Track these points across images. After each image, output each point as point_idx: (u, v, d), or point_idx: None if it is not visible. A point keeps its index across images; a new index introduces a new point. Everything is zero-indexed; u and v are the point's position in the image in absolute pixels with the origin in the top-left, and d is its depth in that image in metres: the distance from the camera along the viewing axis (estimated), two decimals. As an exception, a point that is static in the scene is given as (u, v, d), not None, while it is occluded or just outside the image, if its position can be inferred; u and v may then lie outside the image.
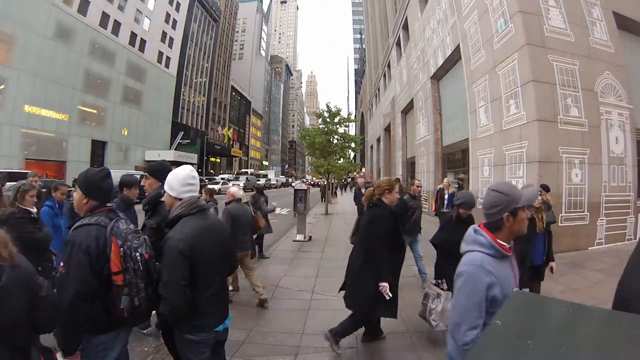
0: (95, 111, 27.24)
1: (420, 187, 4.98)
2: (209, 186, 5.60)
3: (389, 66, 22.56)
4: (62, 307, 1.39)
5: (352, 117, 19.76)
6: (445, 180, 7.15)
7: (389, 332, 3.34)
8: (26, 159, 21.03)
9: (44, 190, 4.76)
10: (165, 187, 1.75)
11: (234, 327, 2.67)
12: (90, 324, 1.48)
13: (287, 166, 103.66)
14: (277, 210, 13.91)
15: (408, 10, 16.06)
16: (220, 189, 25.14)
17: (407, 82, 16.66)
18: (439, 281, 3.45)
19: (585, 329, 0.72)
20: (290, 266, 5.70)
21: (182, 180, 1.73)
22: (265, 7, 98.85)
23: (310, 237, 8.03)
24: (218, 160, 50.32)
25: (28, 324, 1.27)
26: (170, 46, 37.31)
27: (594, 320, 0.77)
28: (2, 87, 19.81)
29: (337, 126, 15.16)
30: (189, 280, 1.55)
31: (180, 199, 1.69)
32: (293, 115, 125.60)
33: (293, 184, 25.00)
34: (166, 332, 2.08)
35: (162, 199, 1.83)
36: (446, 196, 7.09)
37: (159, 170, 2.23)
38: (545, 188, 5.77)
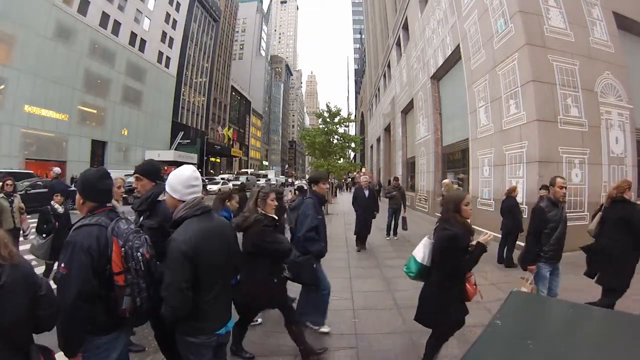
0: (95, 111, 27.25)
1: (565, 187, 3.29)
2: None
3: (389, 66, 22.56)
4: (64, 307, 1.39)
5: (352, 117, 19.79)
6: (446, 181, 7.10)
7: (390, 331, 3.34)
8: (26, 159, 21.04)
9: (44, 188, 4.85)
10: (167, 189, 1.73)
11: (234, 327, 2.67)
12: (91, 325, 1.48)
13: (287, 166, 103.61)
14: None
15: (408, 10, 16.05)
16: (220, 189, 25.23)
17: (407, 82, 16.66)
18: None
19: (585, 329, 0.72)
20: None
21: (185, 182, 1.71)
22: (265, 7, 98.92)
23: None
24: (218, 160, 50.32)
25: (28, 323, 1.27)
26: (170, 46, 37.32)
27: (594, 320, 0.77)
28: (2, 87, 19.82)
29: (337, 126, 15.20)
30: (192, 283, 1.54)
31: (183, 201, 1.68)
32: (293, 115, 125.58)
33: (295, 184, 24.98)
34: (160, 334, 2.08)
35: (162, 199, 1.81)
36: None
37: (151, 171, 2.22)
38: (546, 188, 5.80)
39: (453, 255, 2.24)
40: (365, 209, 7.01)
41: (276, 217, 2.64)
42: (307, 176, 67.23)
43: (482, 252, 2.29)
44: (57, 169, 7.81)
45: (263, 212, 2.56)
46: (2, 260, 1.19)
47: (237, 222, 2.59)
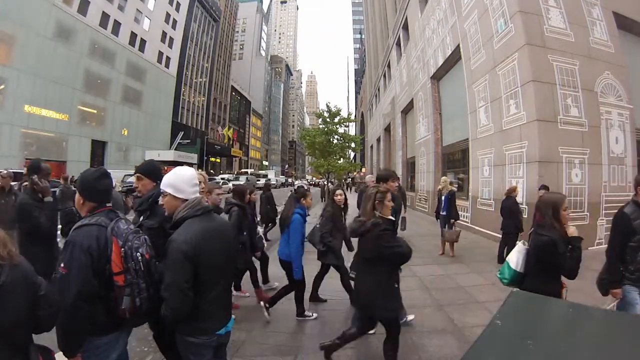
0: (95, 111, 27.25)
1: None
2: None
3: (389, 66, 22.56)
4: (64, 307, 1.39)
5: (352, 117, 19.78)
6: (443, 179, 7.03)
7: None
8: (26, 159, 20.98)
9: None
10: (170, 190, 1.70)
11: (234, 327, 2.66)
12: (91, 325, 1.47)
13: (287, 166, 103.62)
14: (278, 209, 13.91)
15: (408, 10, 16.06)
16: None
17: (407, 82, 16.66)
18: None
19: (585, 329, 0.72)
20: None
21: (189, 181, 1.71)
22: (265, 7, 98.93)
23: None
24: (218, 160, 50.33)
25: (28, 323, 1.27)
26: (170, 46, 37.32)
27: (594, 320, 0.77)
28: (2, 87, 19.82)
29: (337, 126, 15.19)
30: (192, 283, 1.54)
31: (186, 201, 1.68)
32: (293, 115, 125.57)
33: (295, 184, 24.99)
34: (160, 334, 2.08)
35: (162, 201, 1.80)
36: (443, 197, 6.57)
37: (152, 170, 2.21)
38: (546, 188, 5.80)
39: (550, 263, 2.10)
40: None
41: (393, 219, 2.50)
42: (307, 176, 67.03)
43: (581, 251, 2.13)
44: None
45: (380, 214, 2.40)
46: (1, 260, 1.19)
47: (353, 227, 2.43)
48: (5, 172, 4.63)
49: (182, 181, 1.70)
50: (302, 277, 3.39)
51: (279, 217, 3.78)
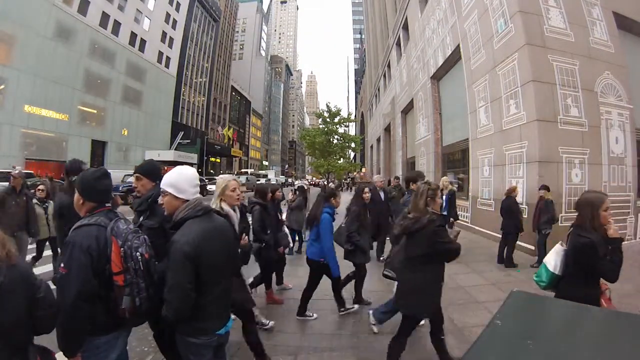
0: (95, 111, 27.26)
1: None
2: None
3: (389, 66, 22.56)
4: (64, 307, 1.38)
5: (352, 117, 19.79)
6: (443, 179, 7.00)
7: (391, 331, 3.33)
8: (26, 159, 21.04)
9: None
10: (171, 190, 1.68)
11: (234, 327, 2.66)
12: (91, 325, 1.47)
13: (287, 166, 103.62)
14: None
15: (408, 10, 16.06)
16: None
17: (407, 82, 16.66)
18: None
19: (585, 329, 0.72)
20: (290, 266, 5.68)
21: (191, 182, 1.70)
22: (265, 7, 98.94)
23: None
24: (218, 160, 50.32)
25: (28, 324, 1.27)
26: (170, 46, 37.32)
27: (594, 320, 0.77)
28: (2, 87, 19.82)
29: (337, 126, 15.21)
30: (194, 284, 1.54)
31: (186, 201, 1.67)
32: (293, 115, 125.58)
33: (295, 184, 24.94)
34: (160, 334, 2.07)
35: (162, 200, 1.80)
36: (444, 197, 6.26)
37: (152, 170, 2.21)
38: (546, 188, 5.81)
39: (589, 265, 2.01)
40: (381, 215, 5.89)
41: (445, 214, 2.52)
42: (307, 176, 67.10)
43: (621, 252, 2.04)
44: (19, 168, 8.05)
45: (433, 211, 2.39)
46: None
47: (406, 225, 2.39)
48: (17, 172, 4.54)
49: (184, 181, 1.69)
50: (339, 274, 3.46)
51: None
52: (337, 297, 3.66)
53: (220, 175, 2.70)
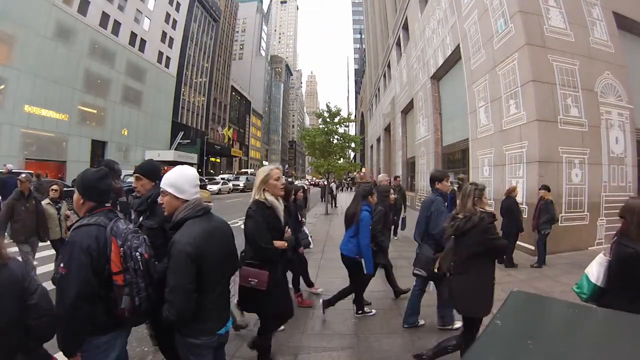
0: (95, 111, 27.24)
1: None
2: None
3: (389, 66, 22.56)
4: (64, 307, 1.38)
5: (352, 117, 19.74)
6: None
7: (391, 332, 3.34)
8: (26, 159, 21.03)
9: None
10: (171, 190, 1.68)
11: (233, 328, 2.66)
12: (91, 325, 1.47)
13: (287, 166, 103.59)
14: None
15: (408, 10, 16.06)
16: (220, 189, 25.21)
17: (407, 82, 16.66)
18: None
19: (585, 329, 0.72)
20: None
21: (191, 182, 1.69)
22: (265, 7, 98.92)
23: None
24: (218, 160, 50.32)
25: (16, 331, 1.22)
26: (170, 46, 37.31)
27: (594, 320, 0.77)
28: (2, 87, 19.81)
29: (337, 126, 15.16)
30: (196, 284, 1.53)
31: (186, 202, 1.66)
32: (293, 115, 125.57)
33: (295, 184, 24.86)
34: (160, 334, 2.07)
35: (161, 200, 1.79)
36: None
37: (151, 170, 2.21)
38: (546, 188, 5.81)
39: (634, 278, 1.85)
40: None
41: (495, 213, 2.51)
42: (307, 176, 67.17)
43: None
44: (10, 165, 8.03)
45: (482, 209, 2.43)
46: None
47: (457, 225, 2.40)
48: (24, 175, 4.44)
49: (185, 181, 1.68)
50: (373, 271, 3.50)
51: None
52: (359, 298, 3.66)
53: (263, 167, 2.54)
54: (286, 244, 2.45)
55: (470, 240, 2.36)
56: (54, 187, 4.51)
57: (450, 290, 2.52)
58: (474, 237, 2.34)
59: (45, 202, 4.36)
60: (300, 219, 4.56)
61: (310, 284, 4.38)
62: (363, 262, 3.34)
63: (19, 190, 4.24)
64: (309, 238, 4.76)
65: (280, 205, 2.41)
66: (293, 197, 4.29)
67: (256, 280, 2.22)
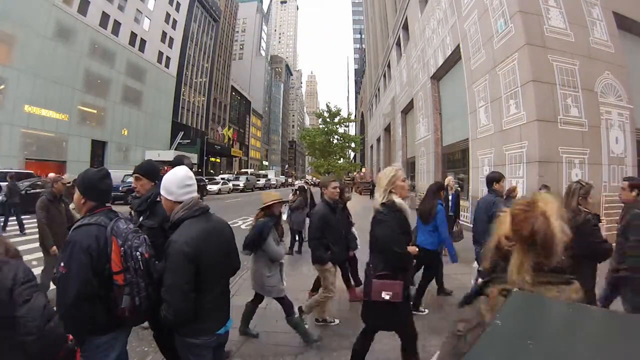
0: (95, 111, 27.26)
1: None
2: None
3: (389, 66, 22.56)
4: (64, 307, 1.38)
5: (352, 117, 19.78)
6: (448, 179, 6.93)
7: (392, 332, 3.33)
8: (26, 159, 21.04)
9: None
10: (162, 192, 1.71)
11: (234, 327, 2.67)
12: (91, 325, 1.47)
13: (287, 166, 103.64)
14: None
15: (408, 10, 16.06)
16: (220, 189, 25.22)
17: (407, 82, 16.66)
18: None
19: (585, 329, 0.72)
20: (290, 266, 5.69)
21: (179, 183, 1.68)
22: (265, 7, 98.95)
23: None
24: (218, 160, 50.32)
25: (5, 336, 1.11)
26: (170, 46, 37.33)
27: (594, 320, 0.77)
28: (2, 87, 19.82)
29: (337, 126, 15.21)
30: (194, 284, 1.53)
31: (180, 202, 1.67)
32: (293, 115, 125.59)
33: (295, 184, 24.90)
34: (160, 335, 2.07)
35: (159, 200, 1.80)
36: (450, 197, 6.18)
37: (151, 171, 2.22)
38: (546, 188, 5.80)
39: None
40: None
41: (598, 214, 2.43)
42: (307, 176, 67.28)
43: None
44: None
45: (586, 210, 2.31)
46: None
47: None
48: (67, 176, 4.15)
49: (172, 183, 1.68)
50: (457, 261, 3.76)
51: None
52: (441, 287, 3.85)
53: (386, 168, 2.38)
54: (417, 250, 2.38)
55: (573, 241, 2.29)
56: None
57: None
58: (577, 238, 2.27)
59: (71, 206, 4.01)
60: (350, 219, 4.46)
61: (359, 283, 4.28)
62: (448, 254, 3.50)
63: (52, 191, 3.92)
64: (358, 240, 4.68)
65: (408, 208, 2.24)
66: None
67: (391, 293, 2.05)
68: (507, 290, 0.79)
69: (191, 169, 2.96)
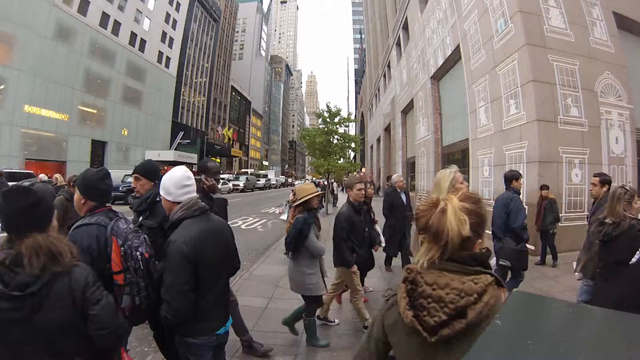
0: (95, 111, 27.27)
1: None
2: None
3: (389, 66, 22.56)
4: None
5: (352, 117, 19.74)
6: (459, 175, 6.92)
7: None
8: (26, 159, 21.05)
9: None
10: (161, 192, 1.71)
11: (232, 328, 2.66)
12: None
13: (287, 166, 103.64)
14: (276, 210, 13.90)
15: (408, 10, 16.05)
16: (220, 189, 25.20)
17: (407, 82, 16.66)
18: None
19: (585, 329, 0.72)
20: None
21: (177, 183, 1.68)
22: (265, 7, 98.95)
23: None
24: (218, 160, 50.23)
25: (73, 337, 1.18)
26: (170, 46, 37.34)
27: (594, 320, 0.77)
28: (2, 87, 19.83)
29: (337, 126, 15.17)
30: (193, 284, 1.53)
31: (179, 202, 1.66)
32: (293, 115, 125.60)
33: (295, 184, 24.90)
34: (160, 335, 2.07)
35: (158, 200, 1.80)
36: None
37: (150, 170, 2.21)
38: (546, 188, 5.81)
39: None
40: (405, 220, 5.18)
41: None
42: (307, 176, 67.31)
43: None
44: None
45: (631, 215, 2.33)
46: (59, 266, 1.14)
47: (606, 230, 2.33)
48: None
49: (170, 183, 1.68)
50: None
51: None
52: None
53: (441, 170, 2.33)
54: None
55: (619, 247, 2.28)
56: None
57: (597, 298, 2.41)
58: (623, 243, 2.25)
59: None
60: (373, 217, 4.46)
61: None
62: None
63: (70, 190, 3.74)
64: (381, 237, 4.65)
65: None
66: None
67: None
68: (409, 270, 0.87)
69: (218, 172, 2.97)
